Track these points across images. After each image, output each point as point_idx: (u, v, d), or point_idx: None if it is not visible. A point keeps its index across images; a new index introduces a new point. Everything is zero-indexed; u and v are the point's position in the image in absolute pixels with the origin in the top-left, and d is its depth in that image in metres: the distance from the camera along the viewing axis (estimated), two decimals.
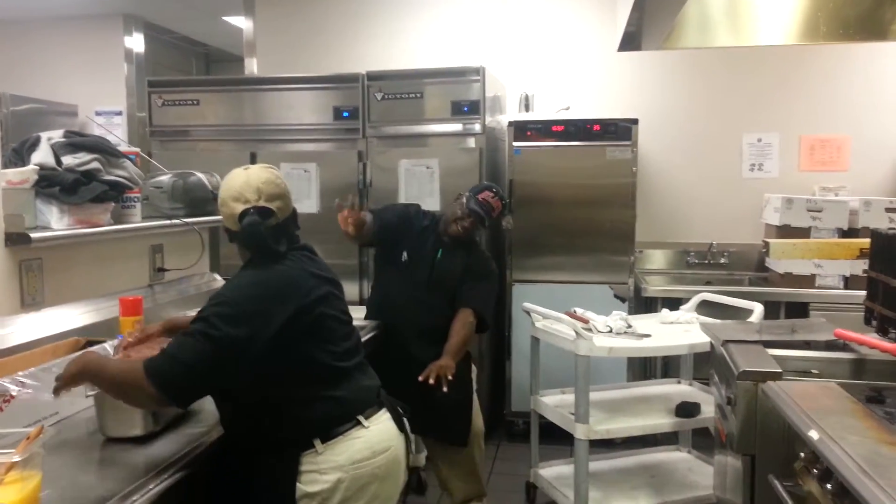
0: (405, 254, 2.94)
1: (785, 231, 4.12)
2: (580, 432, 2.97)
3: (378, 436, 1.73)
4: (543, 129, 4.07)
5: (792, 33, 2.67)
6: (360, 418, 1.71)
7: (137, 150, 2.72)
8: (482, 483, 3.13)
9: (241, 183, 1.75)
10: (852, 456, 1.43)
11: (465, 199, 2.93)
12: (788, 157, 4.52)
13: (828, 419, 1.64)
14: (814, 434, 1.58)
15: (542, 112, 4.44)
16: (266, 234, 1.71)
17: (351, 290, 3.88)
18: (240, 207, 1.73)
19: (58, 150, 2.11)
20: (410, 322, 2.85)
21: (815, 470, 1.62)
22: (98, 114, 5.71)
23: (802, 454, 1.72)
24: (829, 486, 1.52)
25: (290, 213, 1.82)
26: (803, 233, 4.09)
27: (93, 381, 1.59)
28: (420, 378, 2.66)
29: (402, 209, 3.09)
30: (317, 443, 1.64)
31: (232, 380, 1.60)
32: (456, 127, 3.92)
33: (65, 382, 1.57)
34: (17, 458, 1.10)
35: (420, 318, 2.85)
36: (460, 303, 2.89)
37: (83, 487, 1.39)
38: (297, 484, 1.62)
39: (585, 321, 3.16)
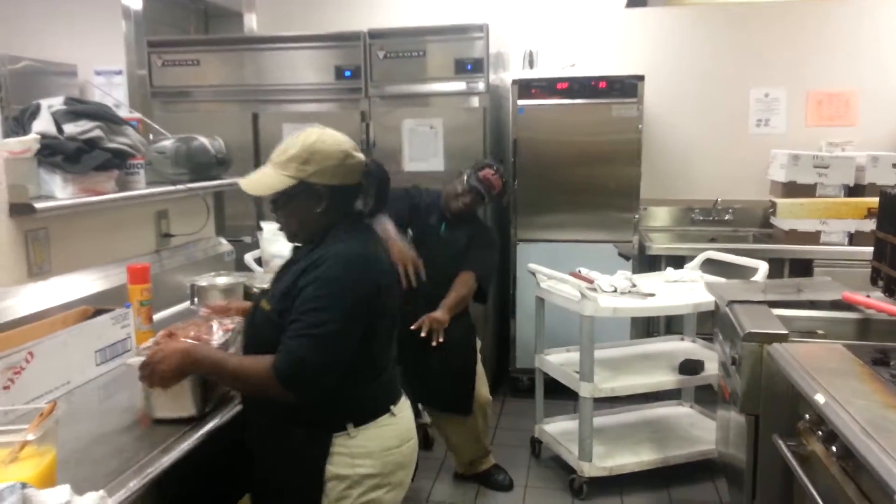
0: (410, 231, 2.94)
1: (791, 188, 4.10)
2: (585, 391, 3.01)
3: (406, 424, 1.73)
4: (548, 87, 4.02)
5: None
6: (392, 407, 1.69)
7: (139, 116, 2.69)
8: (486, 445, 3.20)
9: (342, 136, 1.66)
10: (858, 420, 1.45)
11: (465, 177, 2.93)
12: (796, 113, 4.45)
13: (834, 382, 1.65)
14: (820, 398, 1.59)
15: (546, 69, 4.37)
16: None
17: None
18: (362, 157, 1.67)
19: (59, 118, 2.08)
20: (416, 295, 2.85)
21: (819, 432, 1.64)
22: (98, 73, 5.63)
23: (807, 415, 1.74)
24: (833, 447, 1.54)
25: None
26: (809, 189, 4.06)
27: (210, 377, 1.61)
28: (412, 327, 2.69)
29: (404, 195, 3.05)
30: (350, 427, 1.61)
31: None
32: (459, 86, 3.87)
33: (168, 377, 1.54)
34: (31, 437, 1.12)
35: (427, 292, 2.85)
36: (462, 266, 2.91)
37: (98, 459, 1.41)
38: (327, 465, 1.59)
39: (590, 281, 3.16)
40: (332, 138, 1.62)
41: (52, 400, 1.62)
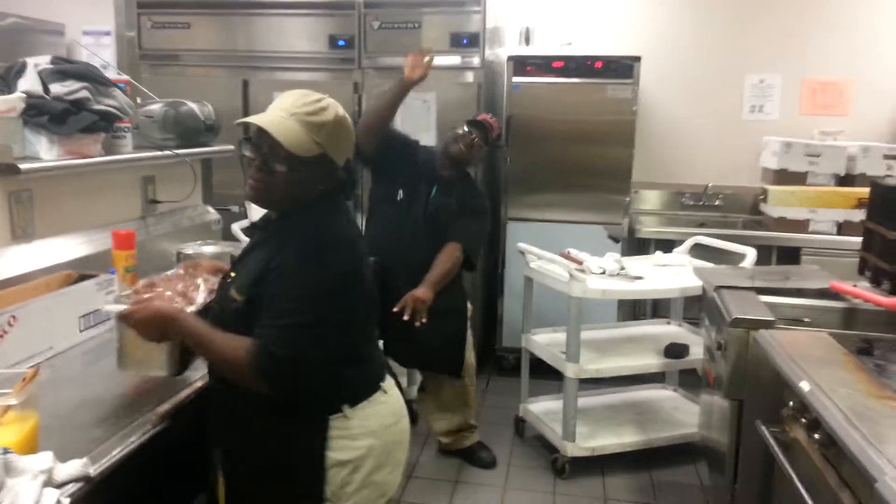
0: (401, 192, 2.92)
1: (782, 175, 4.10)
2: (570, 371, 3.02)
3: (398, 400, 1.67)
4: (544, 65, 3.98)
5: None
6: (381, 384, 1.63)
7: (127, 78, 2.64)
8: (474, 414, 3.21)
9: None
10: (841, 408, 1.46)
11: (464, 126, 2.93)
12: (790, 100, 4.44)
13: (819, 370, 1.66)
14: (805, 385, 1.60)
15: (542, 47, 4.33)
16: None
17: None
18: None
19: (45, 78, 2.03)
20: (404, 260, 2.84)
21: (803, 419, 1.65)
22: (86, 34, 5.51)
23: (791, 402, 1.75)
24: (816, 435, 1.55)
25: None
26: (800, 177, 4.07)
27: (188, 343, 1.50)
28: (395, 309, 2.68)
29: (406, 136, 3.07)
30: (345, 408, 1.52)
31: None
32: (454, 60, 3.82)
33: (137, 322, 1.46)
34: (13, 402, 1.10)
35: (414, 256, 2.85)
36: (449, 236, 2.89)
37: (81, 426, 1.39)
38: (327, 452, 1.50)
39: (579, 262, 3.16)
40: (344, 112, 1.53)
41: (35, 365, 1.60)
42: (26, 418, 1.17)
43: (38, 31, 5.27)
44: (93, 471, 1.17)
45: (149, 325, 1.45)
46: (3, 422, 1.12)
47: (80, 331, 1.85)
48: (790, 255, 3.88)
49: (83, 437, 1.33)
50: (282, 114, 1.44)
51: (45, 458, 1.10)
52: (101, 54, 5.08)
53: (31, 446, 1.17)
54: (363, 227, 3.15)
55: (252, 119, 1.45)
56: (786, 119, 4.44)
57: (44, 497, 1.04)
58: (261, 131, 1.43)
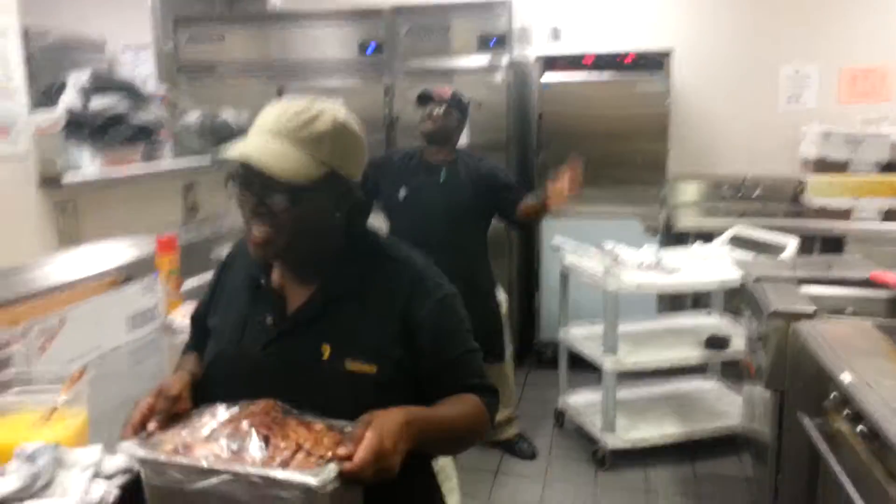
0: (402, 191, 2.84)
1: (822, 164, 4.01)
2: (608, 364, 3.00)
3: None
4: (573, 62, 3.97)
5: None
6: None
7: (164, 90, 2.71)
8: (514, 405, 3.22)
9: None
10: (886, 400, 1.43)
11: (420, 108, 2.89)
12: (828, 89, 4.35)
13: (861, 361, 1.63)
14: (846, 376, 1.57)
15: (571, 44, 4.32)
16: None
17: None
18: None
19: (86, 93, 2.11)
20: (432, 248, 2.81)
21: (846, 411, 1.62)
22: (126, 48, 5.67)
23: (833, 394, 1.72)
24: (859, 427, 1.52)
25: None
26: (840, 166, 3.98)
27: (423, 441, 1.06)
28: None
29: (369, 159, 3.03)
30: None
31: None
32: (483, 60, 3.84)
33: (375, 472, 0.96)
34: (63, 399, 1.15)
35: (441, 240, 2.79)
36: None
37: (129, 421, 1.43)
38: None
39: (615, 256, 3.14)
40: (352, 117, 1.19)
41: (82, 364, 1.66)
42: (76, 415, 1.22)
43: (80, 47, 5.43)
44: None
45: (385, 459, 0.97)
46: (54, 418, 1.17)
47: (127, 331, 1.92)
48: (833, 245, 3.79)
49: None
50: (265, 136, 1.11)
51: (94, 452, 1.14)
52: (141, 68, 5.23)
53: (80, 441, 1.22)
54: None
55: (231, 153, 1.10)
56: (825, 108, 4.34)
57: (93, 488, 1.08)
58: (246, 165, 1.09)
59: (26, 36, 5.02)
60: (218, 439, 0.99)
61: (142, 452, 0.98)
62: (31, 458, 1.08)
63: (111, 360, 1.79)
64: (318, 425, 1.03)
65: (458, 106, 2.88)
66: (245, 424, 1.01)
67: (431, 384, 1.18)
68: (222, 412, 1.05)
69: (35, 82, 2.33)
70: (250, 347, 1.18)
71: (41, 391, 1.25)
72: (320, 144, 1.12)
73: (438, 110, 2.83)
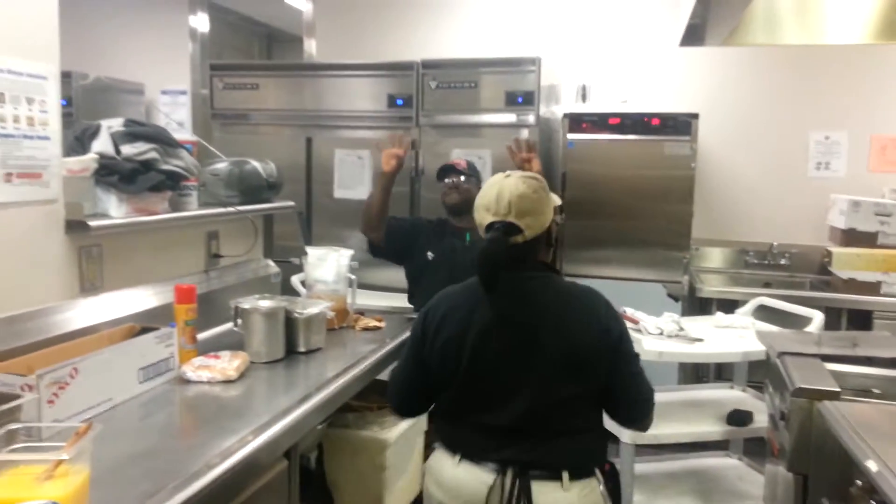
0: (429, 253, 3.07)
1: (850, 235, 3.96)
2: (626, 436, 2.92)
3: None
4: (599, 122, 3.99)
5: (868, 32, 2.55)
6: None
7: (196, 138, 2.77)
8: None
9: (496, 193, 1.83)
10: None
11: (444, 179, 3.14)
12: (857, 157, 4.32)
13: (889, 449, 1.57)
14: (872, 465, 1.51)
15: (598, 104, 4.35)
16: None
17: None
18: (488, 218, 1.85)
19: (117, 139, 2.15)
20: None
21: (872, 501, 1.55)
22: (164, 93, 5.84)
23: (859, 482, 1.65)
24: None
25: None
26: (870, 238, 3.92)
27: None
28: None
29: (405, 218, 3.34)
30: None
31: None
32: (510, 117, 3.87)
33: None
34: (65, 457, 1.14)
35: None
36: None
37: (131, 480, 1.41)
38: None
39: (636, 322, 3.09)
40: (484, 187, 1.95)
41: (93, 416, 1.65)
42: (77, 472, 1.20)
43: (120, 90, 5.60)
44: None
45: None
46: (55, 475, 1.16)
47: (140, 382, 1.91)
48: (861, 319, 3.70)
49: (132, 491, 1.35)
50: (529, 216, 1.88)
51: None
52: (178, 112, 5.37)
53: (80, 499, 1.20)
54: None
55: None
56: (854, 176, 4.31)
57: None
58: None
59: (68, 77, 5.19)
60: None
61: None
62: None
63: (121, 412, 1.78)
64: None
65: (474, 173, 3.13)
66: None
67: None
68: None
69: (74, 122, 2.39)
70: None
71: (46, 446, 1.24)
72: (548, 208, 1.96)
73: (460, 181, 3.06)
